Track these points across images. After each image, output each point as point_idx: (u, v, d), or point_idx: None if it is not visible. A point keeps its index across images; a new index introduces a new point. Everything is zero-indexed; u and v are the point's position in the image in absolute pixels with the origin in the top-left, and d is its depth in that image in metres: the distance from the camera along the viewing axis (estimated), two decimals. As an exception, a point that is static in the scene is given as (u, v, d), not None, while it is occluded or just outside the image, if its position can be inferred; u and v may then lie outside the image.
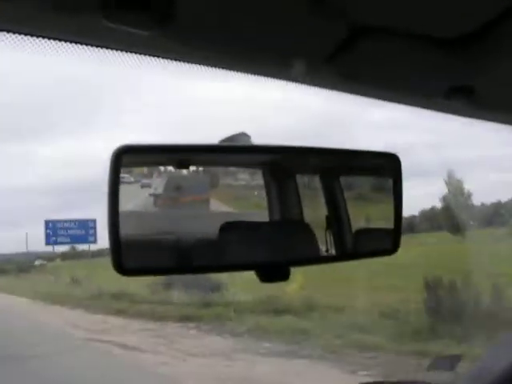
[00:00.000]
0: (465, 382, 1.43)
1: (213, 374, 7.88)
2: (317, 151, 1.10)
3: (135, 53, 0.77)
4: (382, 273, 11.27)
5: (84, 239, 29.15)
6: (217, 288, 14.22)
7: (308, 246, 1.10)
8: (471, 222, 18.94)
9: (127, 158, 0.94)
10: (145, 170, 1.15)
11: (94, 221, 28.41)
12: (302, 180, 1.30)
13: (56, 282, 24.72)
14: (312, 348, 8.73)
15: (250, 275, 0.99)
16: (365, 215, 1.32)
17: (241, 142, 1.05)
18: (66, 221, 29.14)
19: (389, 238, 1.15)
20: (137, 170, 1.12)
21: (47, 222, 28.52)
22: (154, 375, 8.11)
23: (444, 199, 22.94)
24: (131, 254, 0.93)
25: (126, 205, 0.96)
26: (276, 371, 7.74)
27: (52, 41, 0.73)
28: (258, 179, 1.28)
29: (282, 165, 1.22)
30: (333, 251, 1.17)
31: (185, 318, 12.53)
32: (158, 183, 1.11)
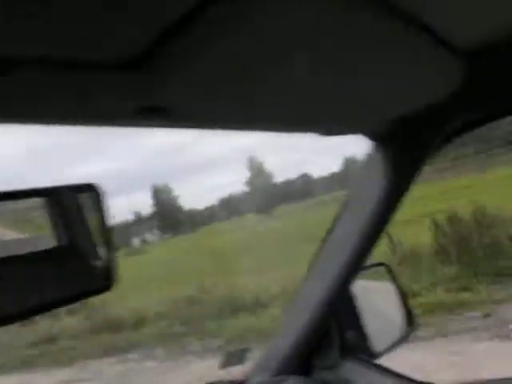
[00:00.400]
0: (254, 371, 1.44)
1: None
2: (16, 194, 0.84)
3: None
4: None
5: None
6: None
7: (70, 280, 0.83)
8: (271, 201, 20.18)
9: None
10: None
11: None
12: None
13: None
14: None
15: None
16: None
17: None
18: None
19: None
20: None
21: None
22: None
23: (247, 183, 23.77)
24: None
25: None
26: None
27: None
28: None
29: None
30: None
31: (114, 350, 8.47)
32: None
